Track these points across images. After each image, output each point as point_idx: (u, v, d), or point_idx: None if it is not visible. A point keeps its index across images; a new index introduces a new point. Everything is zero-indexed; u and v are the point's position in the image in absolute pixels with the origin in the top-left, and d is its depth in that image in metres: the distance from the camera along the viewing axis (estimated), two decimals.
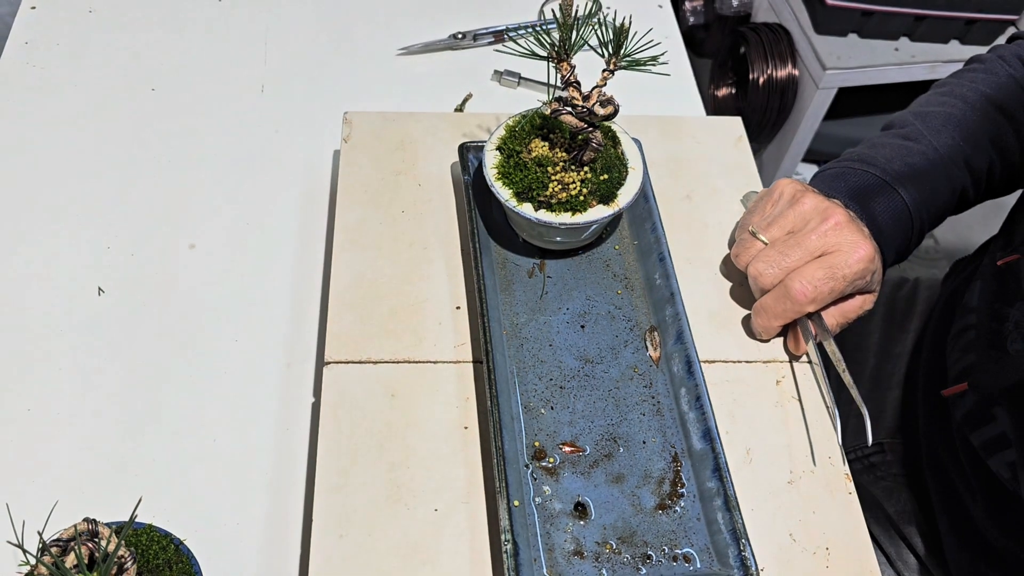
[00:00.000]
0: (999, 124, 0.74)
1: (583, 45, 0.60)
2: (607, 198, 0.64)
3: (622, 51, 0.60)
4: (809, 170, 1.75)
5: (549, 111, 0.63)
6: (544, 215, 0.63)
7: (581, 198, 0.63)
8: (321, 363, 0.66)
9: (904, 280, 0.93)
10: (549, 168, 0.63)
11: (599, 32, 0.59)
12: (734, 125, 0.82)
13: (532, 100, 0.90)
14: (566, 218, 0.63)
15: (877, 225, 0.67)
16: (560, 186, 0.63)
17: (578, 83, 0.62)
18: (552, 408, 0.61)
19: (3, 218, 0.76)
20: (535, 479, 0.58)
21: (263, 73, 0.89)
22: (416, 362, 0.64)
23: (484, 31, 0.94)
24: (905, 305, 0.90)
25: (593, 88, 0.62)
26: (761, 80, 1.57)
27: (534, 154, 0.64)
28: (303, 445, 0.65)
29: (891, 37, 1.52)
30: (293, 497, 0.63)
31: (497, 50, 0.92)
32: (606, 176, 0.64)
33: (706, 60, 1.84)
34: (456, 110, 0.88)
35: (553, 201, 0.63)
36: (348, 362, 0.64)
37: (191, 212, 0.77)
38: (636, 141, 0.69)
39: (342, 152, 0.75)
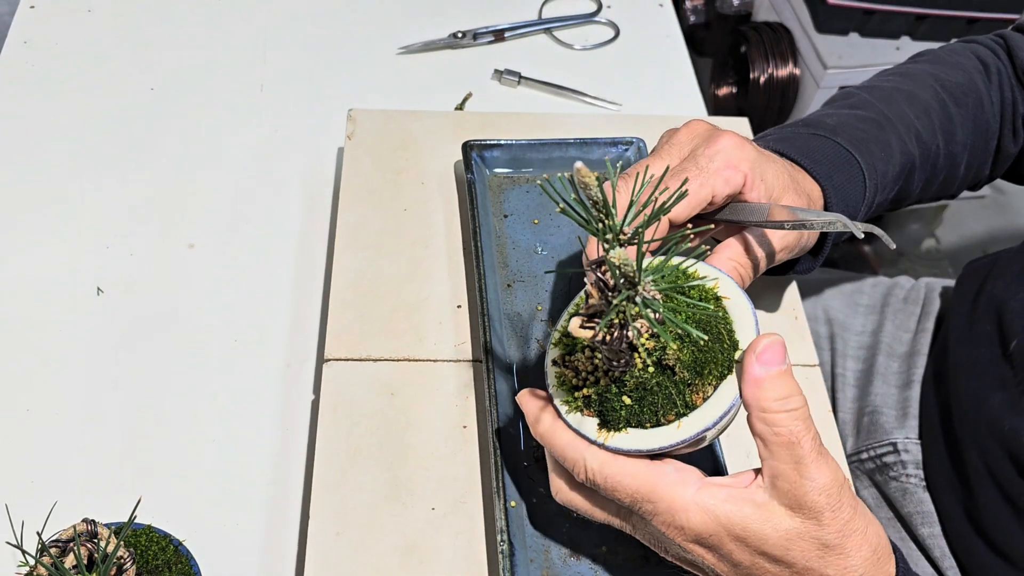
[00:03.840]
0: (947, 106, 0.70)
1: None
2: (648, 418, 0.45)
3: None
4: None
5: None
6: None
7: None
8: (321, 361, 0.66)
9: (910, 281, 0.93)
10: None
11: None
12: (740, 127, 0.82)
13: (532, 99, 0.90)
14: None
15: (832, 181, 0.60)
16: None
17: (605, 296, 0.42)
18: None
19: (1, 217, 0.75)
20: (532, 480, 0.58)
21: (262, 72, 0.89)
22: (416, 360, 0.64)
23: (484, 30, 0.94)
24: (915, 306, 0.89)
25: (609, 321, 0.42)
26: (762, 79, 1.56)
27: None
28: (302, 444, 0.65)
29: (892, 36, 1.51)
30: (292, 496, 0.63)
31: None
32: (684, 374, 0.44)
33: (707, 59, 1.84)
34: (456, 109, 0.88)
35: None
36: (348, 360, 0.63)
37: (190, 211, 0.77)
38: (751, 304, 0.47)
39: (345, 149, 0.75)
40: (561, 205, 0.41)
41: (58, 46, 0.89)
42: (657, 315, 0.41)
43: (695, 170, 0.54)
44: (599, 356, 0.46)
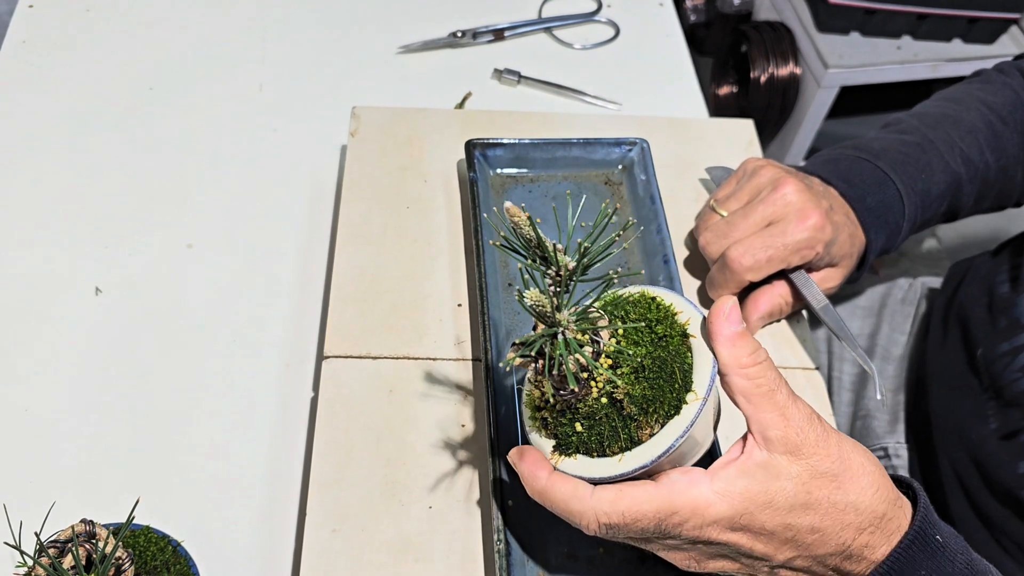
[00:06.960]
0: (994, 125, 0.74)
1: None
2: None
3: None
4: None
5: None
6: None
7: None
8: (321, 358, 0.65)
9: (908, 281, 0.92)
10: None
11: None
12: (745, 128, 0.82)
13: (532, 98, 0.90)
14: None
15: (864, 203, 0.68)
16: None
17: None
18: None
19: (0, 217, 0.75)
20: None
21: (261, 71, 0.89)
22: (416, 358, 0.64)
23: (483, 29, 0.94)
24: (911, 307, 0.89)
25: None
26: (763, 79, 1.56)
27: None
28: (301, 442, 0.65)
29: (893, 35, 1.51)
30: (291, 496, 0.63)
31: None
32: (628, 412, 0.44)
33: (707, 58, 1.84)
34: (456, 108, 0.88)
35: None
36: (347, 356, 0.63)
37: (189, 211, 0.77)
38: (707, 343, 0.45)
39: (349, 146, 0.75)
40: (494, 241, 0.43)
41: (57, 45, 0.88)
42: (599, 347, 0.43)
43: (780, 247, 0.63)
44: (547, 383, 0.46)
